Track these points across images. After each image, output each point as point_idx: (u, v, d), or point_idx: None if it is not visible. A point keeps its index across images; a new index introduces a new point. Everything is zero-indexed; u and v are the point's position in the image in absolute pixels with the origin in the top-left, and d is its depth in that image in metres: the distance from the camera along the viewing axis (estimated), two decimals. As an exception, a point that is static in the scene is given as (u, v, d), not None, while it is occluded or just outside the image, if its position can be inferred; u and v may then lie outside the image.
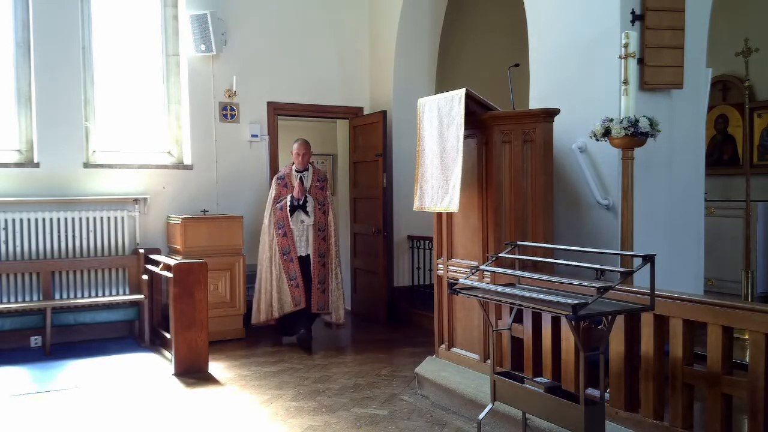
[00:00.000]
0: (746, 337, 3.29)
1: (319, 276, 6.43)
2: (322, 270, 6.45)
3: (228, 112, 7.23)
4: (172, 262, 5.71)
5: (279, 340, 6.72)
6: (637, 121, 4.08)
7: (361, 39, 7.99)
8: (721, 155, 8.15)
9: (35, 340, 6.32)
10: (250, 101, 7.28)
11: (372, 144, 7.68)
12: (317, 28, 7.68)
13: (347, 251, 8.28)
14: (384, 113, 7.58)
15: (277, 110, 7.52)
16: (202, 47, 6.93)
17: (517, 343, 4.23)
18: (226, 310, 6.64)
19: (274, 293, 6.38)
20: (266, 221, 6.45)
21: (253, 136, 7.34)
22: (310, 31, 7.64)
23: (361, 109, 8.03)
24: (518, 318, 4.13)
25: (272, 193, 6.49)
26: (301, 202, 6.33)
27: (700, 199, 5.01)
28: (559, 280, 3.41)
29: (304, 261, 6.40)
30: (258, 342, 6.65)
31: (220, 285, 6.59)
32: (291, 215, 6.33)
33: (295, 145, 6.50)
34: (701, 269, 5.01)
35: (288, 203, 6.33)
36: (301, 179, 6.41)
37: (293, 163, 6.51)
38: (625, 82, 4.16)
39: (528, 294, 3.28)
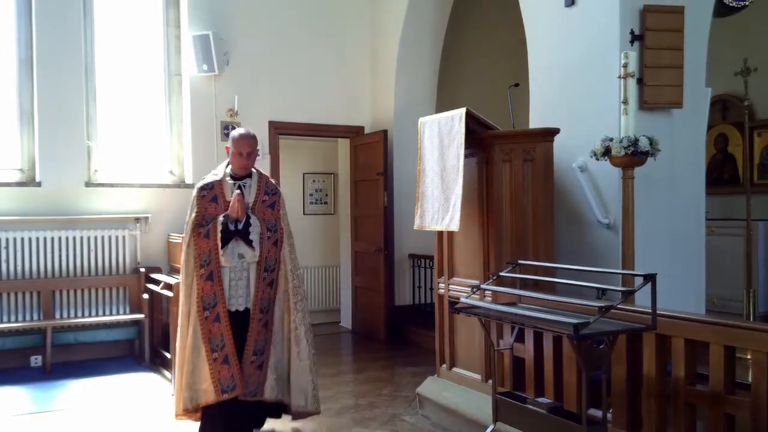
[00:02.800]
0: (748, 356, 3.28)
1: (256, 342, 4.06)
2: (262, 332, 4.09)
3: (230, 131, 7.26)
4: (173, 280, 5.70)
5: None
6: (636, 140, 4.10)
7: (362, 59, 8.04)
8: (721, 174, 8.16)
9: (35, 360, 6.30)
10: (252, 120, 7.32)
11: (373, 163, 7.70)
12: (318, 48, 7.74)
13: (348, 270, 8.28)
14: (385, 132, 7.61)
15: (278, 129, 7.55)
16: (204, 67, 6.98)
17: (518, 362, 4.21)
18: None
19: (186, 372, 4.03)
20: (183, 256, 4.07)
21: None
22: (311, 51, 7.70)
23: (362, 128, 8.07)
24: (520, 337, 4.11)
25: (192, 212, 4.10)
26: (240, 226, 4.02)
27: (700, 217, 5.01)
28: (561, 299, 3.40)
29: (238, 320, 4.05)
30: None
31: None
32: (223, 246, 4.00)
33: (236, 138, 4.11)
34: (702, 288, 5.00)
35: (218, 227, 3.99)
36: (240, 189, 4.10)
37: (227, 166, 4.22)
38: (625, 102, 4.18)
39: (529, 313, 3.27)
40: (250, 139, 4.10)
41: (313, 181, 9.57)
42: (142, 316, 6.50)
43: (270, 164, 7.47)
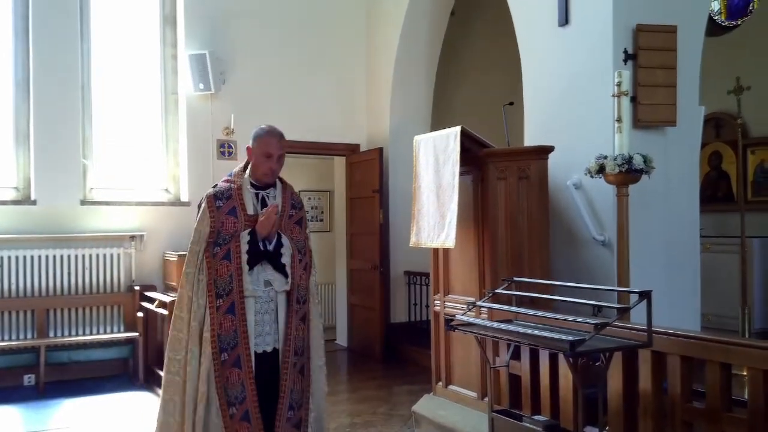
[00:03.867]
0: (744, 373, 3.27)
1: (291, 393, 3.25)
2: (298, 381, 3.29)
3: (226, 150, 7.28)
4: (167, 299, 5.68)
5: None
6: (631, 158, 4.12)
7: (358, 77, 8.09)
8: (715, 192, 8.20)
9: (29, 379, 6.25)
10: (248, 138, 7.31)
11: (369, 180, 7.72)
12: (315, 66, 7.79)
13: (344, 288, 8.26)
14: (380, 150, 7.63)
15: (274, 147, 7.57)
16: (201, 86, 7.01)
17: (515, 380, 4.20)
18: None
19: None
20: (187, 285, 3.23)
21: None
22: (307, 69, 7.74)
23: (358, 146, 8.09)
24: (516, 355, 4.10)
25: (203, 227, 3.24)
26: (271, 246, 3.25)
27: (695, 235, 5.02)
28: (556, 316, 3.40)
29: (266, 364, 3.23)
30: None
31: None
32: (250, 270, 3.20)
33: (263, 136, 3.35)
34: (698, 305, 5.00)
35: (242, 247, 3.20)
36: (263, 200, 3.34)
37: (245, 168, 3.40)
38: (619, 120, 4.21)
39: (525, 330, 3.27)
40: (281, 138, 3.33)
41: (309, 198, 9.59)
42: (136, 334, 6.47)
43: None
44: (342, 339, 8.39)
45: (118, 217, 6.81)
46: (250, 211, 3.27)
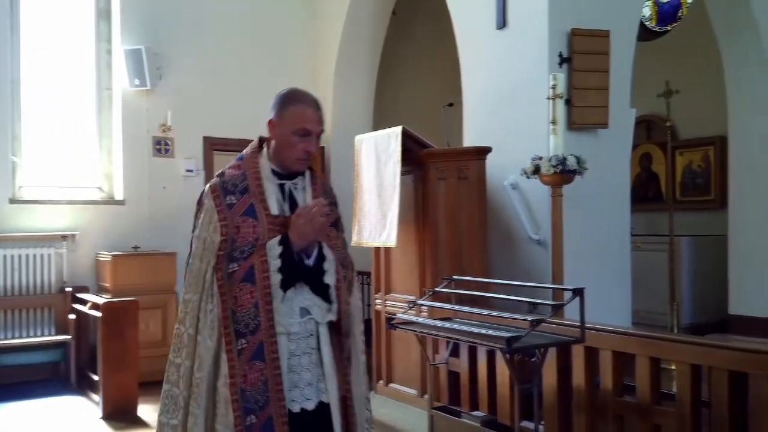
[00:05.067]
0: (673, 367, 3.41)
1: None
2: None
3: (162, 147, 7.11)
4: (101, 300, 5.53)
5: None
6: (565, 159, 4.23)
7: (300, 75, 8.01)
8: (646, 192, 8.50)
9: (-48, 385, 5.97)
10: (186, 136, 7.19)
11: (310, 180, 7.68)
12: (256, 63, 7.68)
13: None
14: (322, 149, 7.60)
15: (213, 145, 7.44)
16: (137, 81, 6.83)
17: (454, 377, 4.26)
18: (157, 349, 6.40)
19: None
20: (188, 319, 2.29)
21: (188, 170, 7.23)
22: (248, 66, 7.63)
23: (299, 144, 8.04)
24: (455, 352, 4.16)
25: (209, 233, 2.26)
26: (311, 261, 2.31)
27: (626, 233, 5.20)
28: (494, 313, 3.46)
29: (304, 426, 2.27)
30: (192, 382, 6.45)
31: (152, 324, 6.38)
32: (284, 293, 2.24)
33: (296, 105, 2.34)
34: (629, 301, 5.17)
35: (272, 262, 2.22)
36: (290, 195, 2.38)
37: (258, 150, 2.45)
38: (554, 122, 4.31)
39: (464, 328, 3.32)
40: (319, 109, 2.36)
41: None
42: (68, 337, 6.26)
43: (204, 180, 7.35)
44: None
45: (49, 217, 6.57)
46: (275, 210, 2.27)
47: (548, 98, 4.36)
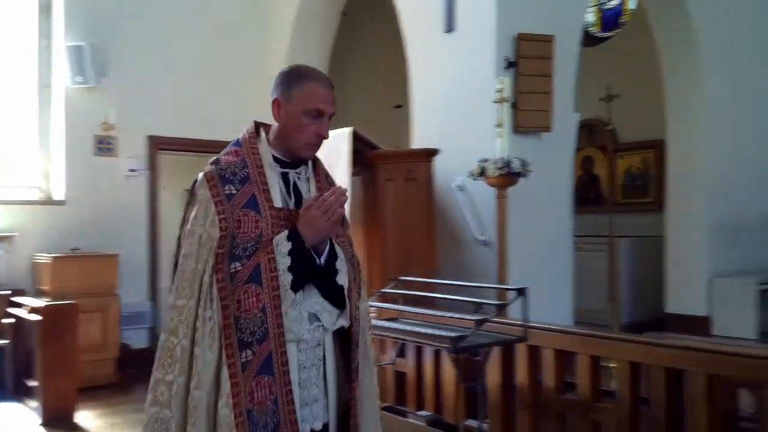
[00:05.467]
0: (613, 365, 3.50)
1: None
2: None
3: (105, 146, 6.93)
4: (39, 303, 5.35)
5: (158, 383, 6.40)
6: (510, 161, 4.31)
7: (250, 74, 7.92)
8: (587, 194, 8.71)
9: None
10: (130, 135, 7.02)
11: (258, 180, 7.60)
12: (203, 62, 7.56)
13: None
14: (270, 149, 7.55)
15: (159, 145, 7.29)
16: (79, 79, 6.64)
17: (400, 377, 4.28)
18: (98, 354, 6.25)
19: None
20: (181, 328, 1.92)
21: (131, 170, 7.06)
22: (195, 65, 7.50)
23: (246, 144, 7.94)
24: (402, 352, 4.18)
25: (206, 228, 1.93)
26: (322, 259, 2.00)
27: (569, 234, 5.32)
28: (439, 313, 3.50)
29: None
30: (132, 387, 6.30)
31: (92, 327, 6.20)
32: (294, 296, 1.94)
33: (308, 82, 2.05)
34: (571, 301, 5.30)
35: (280, 261, 1.91)
36: (294, 186, 2.07)
37: (253, 132, 2.13)
38: (500, 125, 4.39)
39: (410, 328, 3.34)
40: (332, 89, 2.10)
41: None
42: (5, 342, 6.03)
43: (148, 180, 7.20)
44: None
45: (-17, 217, 6.33)
46: (278, 202, 1.99)
47: (494, 102, 4.43)
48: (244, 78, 7.92)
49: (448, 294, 3.81)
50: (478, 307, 3.22)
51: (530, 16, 5.06)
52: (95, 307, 6.20)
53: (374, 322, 3.70)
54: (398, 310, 3.77)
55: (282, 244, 1.92)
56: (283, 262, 1.90)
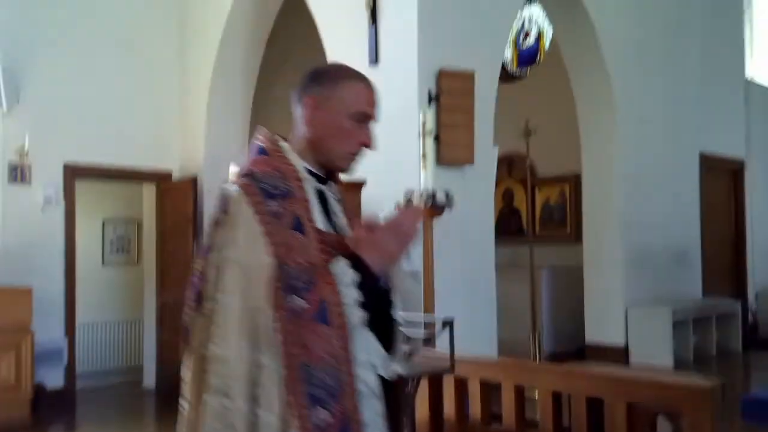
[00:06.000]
0: (536, 395, 3.59)
1: None
2: None
3: (18, 173, 6.64)
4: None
5: (72, 422, 6.11)
6: (434, 193, 4.40)
7: (172, 100, 7.80)
8: (509, 225, 8.96)
9: None
10: (45, 162, 6.76)
11: (182, 209, 7.44)
12: (123, 90, 7.39)
13: (152, 324, 7.84)
14: (195, 179, 7.41)
15: (76, 172, 7.04)
16: (-10, 103, 6.36)
17: (328, 411, 4.24)
18: (10, 395, 5.89)
19: None
20: (233, 384, 1.52)
21: (46, 199, 6.79)
22: (115, 92, 7.32)
23: (170, 173, 7.78)
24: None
25: (256, 256, 1.54)
26: (386, 284, 1.70)
27: (491, 265, 5.45)
28: (367, 347, 3.50)
29: None
30: (48, 428, 5.98)
31: (4, 366, 5.86)
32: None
33: (352, 82, 1.78)
34: (495, 331, 5.41)
35: (347, 293, 1.56)
36: (325, 202, 1.74)
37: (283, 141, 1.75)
38: (424, 157, 4.48)
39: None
40: (374, 92, 1.83)
41: (115, 228, 9.02)
42: None
43: (65, 210, 6.92)
44: (149, 380, 7.91)
45: None
46: (320, 222, 1.67)
47: (419, 134, 4.53)
48: (165, 106, 7.80)
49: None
50: (405, 339, 3.25)
51: (451, 52, 5.22)
52: (7, 345, 5.87)
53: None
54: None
55: (345, 274, 1.57)
56: (350, 295, 1.56)
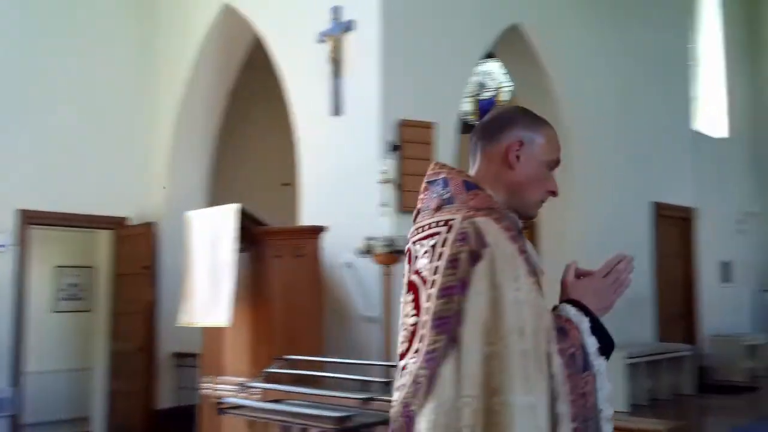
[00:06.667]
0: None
1: None
2: None
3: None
4: None
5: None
6: (394, 239, 4.45)
7: (133, 150, 7.74)
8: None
9: None
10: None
11: (138, 256, 7.33)
12: (82, 136, 7.30)
13: (102, 373, 7.62)
14: (151, 224, 7.33)
15: (29, 219, 6.89)
16: (-58, 147, 6.24)
17: (286, 461, 4.16)
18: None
19: None
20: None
21: (-1, 246, 6.61)
22: (73, 138, 7.23)
23: (125, 218, 7.67)
24: (287, 435, 4.08)
25: (535, 294, 1.49)
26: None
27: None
28: (326, 393, 3.48)
29: None
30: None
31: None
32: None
33: (549, 131, 1.67)
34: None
35: (590, 343, 1.53)
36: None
37: (474, 182, 1.63)
38: (385, 205, 4.55)
39: (295, 410, 3.29)
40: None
41: (67, 274, 8.80)
42: None
43: (18, 257, 6.75)
44: (99, 431, 7.66)
45: None
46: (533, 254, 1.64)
47: (380, 182, 4.60)
48: (126, 153, 7.73)
49: (335, 372, 3.80)
50: (364, 386, 3.24)
51: (412, 103, 5.36)
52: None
53: (257, 404, 3.62)
54: (283, 390, 3.71)
55: (584, 324, 1.53)
56: (590, 343, 1.51)
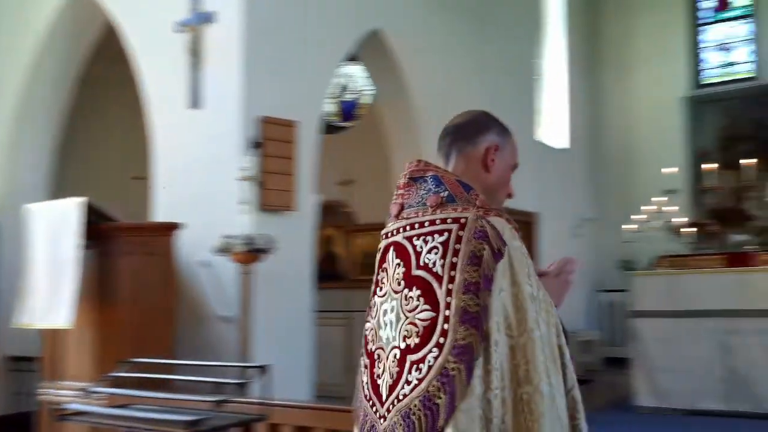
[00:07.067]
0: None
1: None
2: None
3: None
4: None
5: None
6: (254, 238, 4.40)
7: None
8: (329, 271, 9.10)
9: None
10: None
11: (-32, 252, 6.70)
12: None
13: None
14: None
15: None
16: None
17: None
18: None
19: None
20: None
21: None
22: None
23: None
24: (135, 441, 3.90)
25: (539, 291, 1.61)
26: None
27: (310, 310, 5.51)
28: (176, 396, 3.37)
29: None
30: None
31: None
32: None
33: (512, 137, 1.87)
34: (313, 375, 5.44)
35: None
36: None
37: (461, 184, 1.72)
38: (245, 202, 4.48)
39: (143, 415, 3.16)
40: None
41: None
42: None
43: None
44: None
45: None
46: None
47: (239, 179, 4.52)
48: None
49: (187, 375, 3.69)
50: (217, 388, 3.17)
51: (274, 101, 5.30)
52: None
53: (101, 410, 3.43)
54: (130, 395, 3.54)
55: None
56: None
